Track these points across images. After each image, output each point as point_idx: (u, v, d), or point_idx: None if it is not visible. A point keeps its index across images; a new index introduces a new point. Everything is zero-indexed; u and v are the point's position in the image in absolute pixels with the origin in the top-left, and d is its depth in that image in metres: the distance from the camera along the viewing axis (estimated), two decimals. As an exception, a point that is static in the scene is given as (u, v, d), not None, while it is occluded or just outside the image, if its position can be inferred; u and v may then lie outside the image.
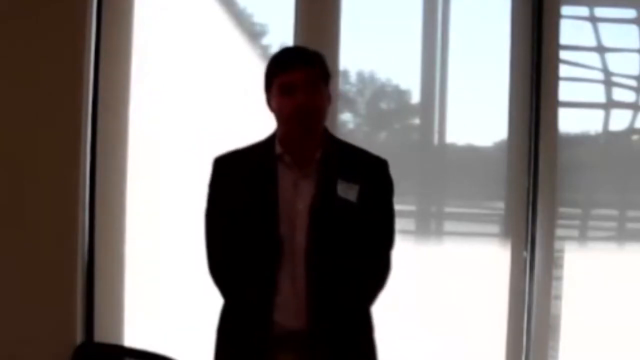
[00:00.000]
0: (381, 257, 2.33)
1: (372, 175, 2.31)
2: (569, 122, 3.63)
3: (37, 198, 3.23)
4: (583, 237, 3.75)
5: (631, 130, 3.70)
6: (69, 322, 3.26)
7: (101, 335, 3.37)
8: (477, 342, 3.54)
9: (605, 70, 3.65)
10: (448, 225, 3.74)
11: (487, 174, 3.65)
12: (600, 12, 3.67)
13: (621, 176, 3.70)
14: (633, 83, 3.67)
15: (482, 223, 3.79)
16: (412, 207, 3.66)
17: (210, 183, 2.34)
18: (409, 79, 3.64)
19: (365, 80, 3.67)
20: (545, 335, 3.59)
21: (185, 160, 3.39)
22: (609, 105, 3.66)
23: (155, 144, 3.46)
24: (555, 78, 3.58)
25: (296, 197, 2.25)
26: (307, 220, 2.23)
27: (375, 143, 3.69)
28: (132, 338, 3.40)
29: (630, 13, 3.69)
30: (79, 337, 3.30)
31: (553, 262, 3.59)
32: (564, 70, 3.60)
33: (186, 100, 3.47)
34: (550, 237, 3.58)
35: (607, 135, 3.71)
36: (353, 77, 3.63)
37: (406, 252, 3.45)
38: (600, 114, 3.67)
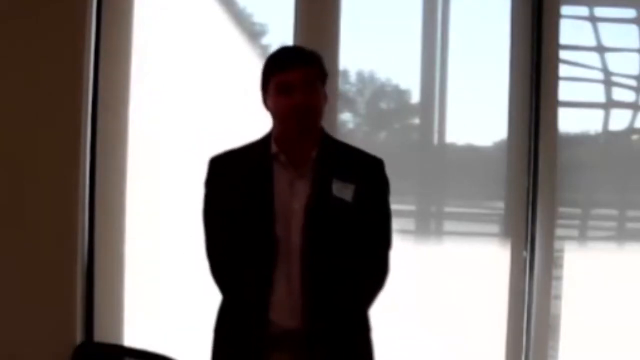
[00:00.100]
0: (378, 257, 2.33)
1: (368, 175, 2.31)
2: (569, 122, 3.63)
3: (37, 198, 3.23)
4: (583, 237, 3.75)
5: (631, 130, 3.70)
6: (69, 322, 3.26)
7: (101, 335, 3.37)
8: (477, 342, 3.54)
9: (605, 70, 3.65)
10: (448, 225, 3.74)
11: (487, 174, 3.65)
12: (600, 12, 3.67)
13: (621, 176, 3.70)
14: (633, 83, 3.67)
15: (482, 223, 3.79)
16: (412, 207, 3.66)
17: (206, 183, 2.34)
18: (409, 79, 3.64)
19: (365, 80, 3.67)
20: (545, 335, 3.59)
21: (185, 160, 3.39)
22: (609, 105, 3.66)
23: (155, 144, 3.46)
24: (555, 78, 3.58)
25: (292, 197, 2.25)
26: (302, 220, 2.23)
27: (375, 143, 3.69)
28: (132, 338, 3.40)
29: (630, 13, 3.69)
30: (79, 337, 3.30)
31: (553, 262, 3.59)
32: (564, 70, 3.60)
33: (186, 100, 3.47)
34: (550, 237, 3.58)
35: (607, 135, 3.71)
36: (353, 77, 3.64)
37: (406, 252, 3.46)
38: (600, 114, 3.67)
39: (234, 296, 2.30)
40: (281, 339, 2.23)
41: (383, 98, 3.75)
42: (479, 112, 3.56)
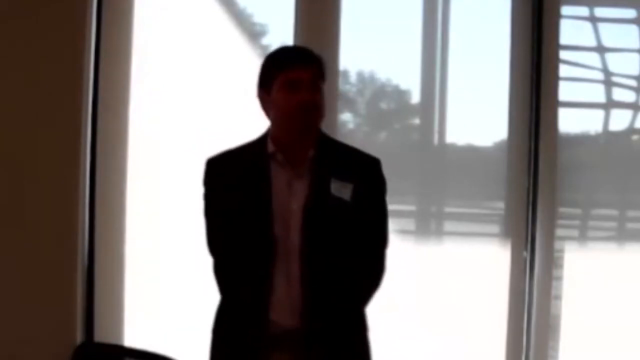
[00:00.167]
0: (375, 256, 2.33)
1: (366, 174, 2.31)
2: (569, 122, 3.63)
3: (37, 198, 3.23)
4: (583, 237, 3.75)
5: (631, 130, 3.70)
6: (69, 322, 3.27)
7: (101, 335, 3.38)
8: (477, 342, 3.54)
9: (605, 70, 3.65)
10: (448, 225, 3.74)
11: (487, 174, 3.65)
12: (600, 12, 3.67)
13: (621, 176, 3.70)
14: (633, 83, 3.67)
15: (482, 223, 3.79)
16: (412, 207, 3.66)
17: (204, 183, 2.34)
18: (409, 79, 3.64)
19: (365, 80, 3.67)
20: (545, 335, 3.59)
21: (186, 160, 3.39)
22: (609, 105, 3.66)
23: (155, 144, 3.46)
24: (555, 78, 3.58)
25: (290, 196, 2.25)
26: (301, 219, 2.23)
27: (375, 143, 3.69)
28: (132, 338, 3.41)
29: (630, 13, 3.69)
30: (79, 337, 3.30)
31: (553, 262, 3.60)
32: (564, 70, 3.60)
33: (186, 100, 3.47)
34: (550, 237, 3.58)
35: (607, 135, 3.71)
36: (353, 77, 3.64)
37: (406, 252, 3.46)
38: (600, 114, 3.67)
39: (233, 296, 2.30)
40: (281, 338, 2.23)
41: (383, 98, 3.75)
42: (479, 112, 3.56)
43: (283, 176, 2.27)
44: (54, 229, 3.24)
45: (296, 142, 2.28)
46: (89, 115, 3.33)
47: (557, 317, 3.61)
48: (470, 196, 3.72)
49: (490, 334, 3.55)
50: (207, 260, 2.36)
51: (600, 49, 3.65)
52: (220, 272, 2.33)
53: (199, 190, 2.35)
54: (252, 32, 3.59)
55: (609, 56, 3.64)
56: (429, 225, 3.74)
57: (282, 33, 3.48)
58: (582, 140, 3.73)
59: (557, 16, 3.58)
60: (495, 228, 3.74)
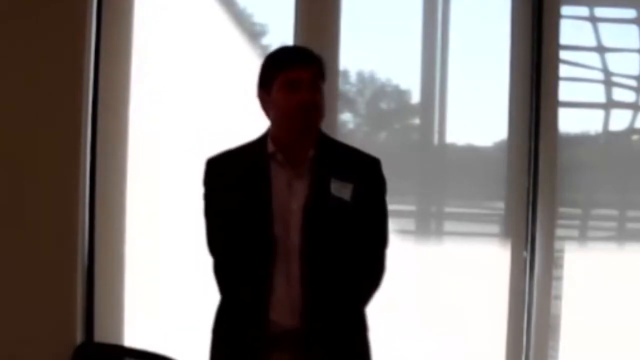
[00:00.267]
0: (376, 256, 2.33)
1: (366, 174, 2.31)
2: (569, 122, 3.63)
3: (37, 198, 3.23)
4: (583, 237, 3.75)
5: (631, 130, 3.71)
6: (69, 322, 3.27)
7: (101, 335, 3.38)
8: (477, 342, 3.54)
9: (605, 70, 3.65)
10: (448, 225, 3.74)
11: (487, 174, 3.65)
12: (600, 12, 3.67)
13: (621, 176, 3.70)
14: (633, 83, 3.67)
15: (482, 223, 3.79)
16: (412, 207, 3.67)
17: (203, 183, 2.34)
18: (409, 79, 3.64)
19: (365, 80, 3.67)
20: (545, 335, 3.59)
21: (186, 160, 3.39)
22: (609, 105, 3.66)
23: (155, 144, 3.46)
24: (555, 78, 3.58)
25: (290, 196, 2.25)
26: (301, 219, 2.23)
27: (375, 143, 3.70)
28: (132, 338, 3.41)
29: (630, 13, 3.69)
30: (79, 337, 3.30)
31: (553, 262, 3.60)
32: (564, 70, 3.60)
33: (186, 100, 3.47)
34: (550, 237, 3.58)
35: (607, 135, 3.71)
36: (353, 77, 3.64)
37: (406, 252, 3.46)
38: (600, 114, 3.67)
39: (233, 296, 2.30)
40: (281, 338, 2.23)
41: (383, 98, 3.75)
42: (479, 112, 3.56)
43: (283, 176, 2.27)
44: (54, 229, 3.24)
45: (296, 142, 2.28)
46: (89, 115, 3.33)
47: (557, 317, 3.61)
48: (470, 196, 3.72)
49: (490, 334, 3.56)
50: (207, 261, 2.36)
51: (600, 49, 3.65)
52: (220, 272, 2.33)
53: (199, 190, 2.36)
54: (252, 32, 3.59)
55: (609, 56, 3.64)
56: (429, 225, 3.74)
57: (282, 33, 3.48)
58: (582, 140, 3.73)
59: (557, 16, 3.58)
60: (495, 228, 3.74)
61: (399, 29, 3.55)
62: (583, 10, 3.67)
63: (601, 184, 3.71)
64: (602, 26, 3.66)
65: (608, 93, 3.66)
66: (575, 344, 3.59)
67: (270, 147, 2.29)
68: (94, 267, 3.37)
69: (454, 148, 3.69)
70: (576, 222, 3.71)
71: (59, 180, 3.25)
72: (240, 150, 2.35)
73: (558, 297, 3.61)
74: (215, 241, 2.33)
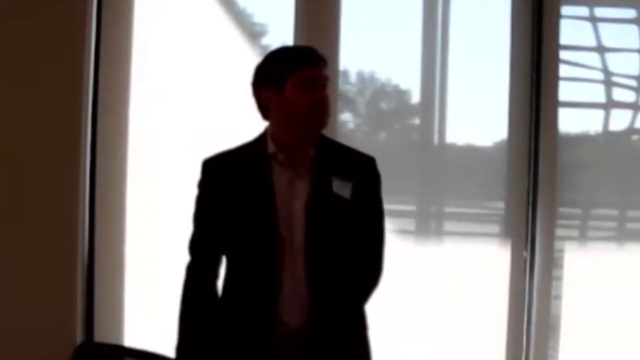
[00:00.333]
0: (376, 254, 2.34)
1: (364, 173, 2.32)
2: (569, 122, 3.63)
3: (37, 198, 3.23)
4: (583, 237, 3.75)
5: (631, 130, 3.71)
6: (69, 322, 3.27)
7: (101, 335, 3.38)
8: (477, 342, 3.54)
9: (605, 70, 3.65)
10: (448, 225, 3.74)
11: (487, 174, 3.65)
12: (600, 12, 3.67)
13: (621, 176, 3.70)
14: (633, 83, 3.67)
15: (482, 223, 3.79)
16: (412, 207, 3.66)
17: (199, 184, 2.34)
18: (409, 79, 3.64)
19: (365, 80, 3.67)
20: (545, 335, 3.59)
21: (186, 160, 3.38)
22: (609, 105, 3.66)
23: (155, 144, 3.46)
24: (555, 78, 3.58)
25: (292, 196, 2.25)
26: (304, 218, 2.23)
27: (375, 143, 3.70)
28: (132, 338, 3.40)
29: (630, 13, 3.69)
30: (79, 337, 3.30)
31: (553, 262, 3.60)
32: (564, 70, 3.60)
33: (186, 101, 3.47)
34: (550, 237, 3.58)
35: (607, 135, 3.71)
36: (353, 77, 3.64)
37: (406, 252, 3.46)
38: (600, 114, 3.67)
39: (240, 297, 2.29)
40: (288, 338, 2.23)
41: (383, 98, 3.75)
42: (479, 112, 3.56)
43: (284, 176, 2.26)
44: (54, 229, 3.24)
45: (301, 141, 2.26)
46: (89, 115, 3.33)
47: (557, 317, 3.61)
48: (470, 196, 3.72)
49: (490, 334, 3.56)
50: (188, 255, 2.37)
51: (600, 49, 3.65)
52: (192, 273, 2.36)
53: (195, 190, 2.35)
54: (252, 32, 3.59)
55: (609, 56, 3.64)
56: (429, 225, 3.74)
57: (282, 33, 3.48)
58: (582, 140, 3.73)
59: (557, 16, 3.58)
60: (495, 228, 3.74)
61: (399, 29, 3.55)
62: (583, 10, 3.67)
63: (601, 184, 3.71)
64: (602, 26, 3.66)
65: (608, 93, 3.66)
66: (575, 344, 3.59)
67: (271, 147, 2.28)
68: (94, 267, 3.37)
69: (454, 148, 3.69)
70: (576, 222, 3.72)
71: (59, 180, 3.25)
72: (238, 151, 2.34)
73: (558, 297, 3.61)
74: (202, 243, 2.33)
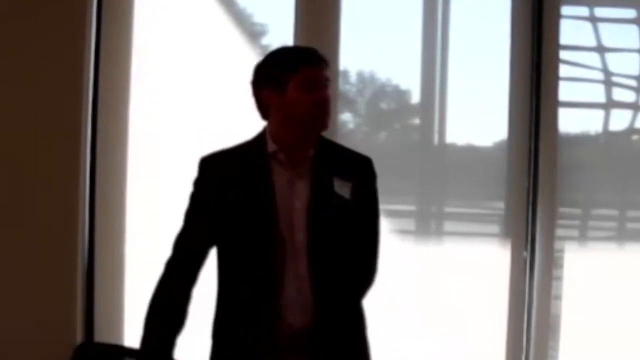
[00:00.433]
0: (372, 253, 2.35)
1: (362, 173, 2.32)
2: (569, 122, 3.63)
3: (37, 198, 3.23)
4: (583, 237, 3.76)
5: (631, 130, 3.71)
6: (69, 322, 3.27)
7: (101, 335, 3.38)
8: (477, 342, 3.54)
9: (605, 70, 3.65)
10: (448, 225, 3.74)
11: (487, 174, 3.65)
12: (600, 12, 3.67)
13: (621, 176, 3.71)
14: (633, 83, 3.67)
15: (482, 223, 3.79)
16: (412, 207, 3.67)
17: (195, 182, 2.33)
18: (409, 79, 3.64)
19: (365, 80, 3.67)
20: (545, 335, 3.59)
21: (186, 160, 3.38)
22: (609, 105, 3.66)
23: (155, 144, 3.46)
24: (555, 78, 3.58)
25: (292, 196, 2.25)
26: (305, 218, 2.23)
27: (375, 143, 3.70)
28: (132, 338, 3.40)
29: (630, 13, 3.69)
30: (79, 337, 3.30)
31: (553, 262, 3.60)
32: (564, 70, 3.60)
33: (186, 101, 3.47)
34: (550, 237, 3.59)
35: (607, 135, 3.71)
36: (353, 77, 3.64)
37: (406, 252, 3.46)
38: (600, 114, 3.67)
39: (242, 297, 2.28)
40: (290, 338, 2.22)
41: (383, 98, 3.75)
42: (479, 112, 3.56)
43: (284, 176, 2.26)
44: (54, 229, 3.24)
45: (302, 141, 2.26)
46: (89, 116, 3.33)
47: (557, 317, 3.61)
48: (470, 196, 3.72)
49: (490, 334, 3.56)
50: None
51: (600, 49, 3.65)
52: (170, 269, 2.37)
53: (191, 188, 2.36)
54: (252, 32, 3.59)
55: (609, 56, 3.64)
56: (429, 225, 3.74)
57: (282, 33, 3.48)
58: (582, 140, 3.73)
59: (557, 16, 3.58)
60: (495, 228, 3.74)
61: (399, 29, 3.55)
62: (583, 10, 3.67)
63: (601, 184, 3.71)
64: (602, 26, 3.66)
65: (608, 93, 3.66)
66: (575, 344, 3.59)
67: (271, 147, 2.28)
68: (94, 267, 3.37)
69: (454, 148, 3.69)
70: (576, 222, 3.72)
71: (59, 180, 3.25)
72: (236, 150, 2.33)
73: (558, 297, 3.61)
74: (187, 240, 2.34)
